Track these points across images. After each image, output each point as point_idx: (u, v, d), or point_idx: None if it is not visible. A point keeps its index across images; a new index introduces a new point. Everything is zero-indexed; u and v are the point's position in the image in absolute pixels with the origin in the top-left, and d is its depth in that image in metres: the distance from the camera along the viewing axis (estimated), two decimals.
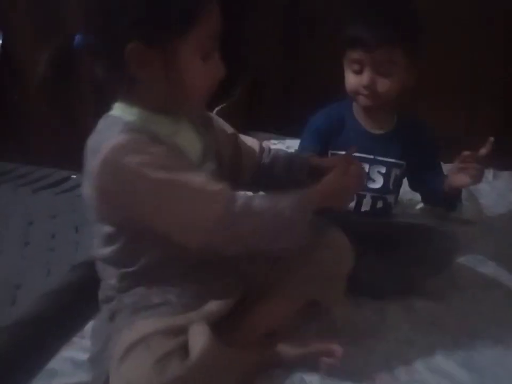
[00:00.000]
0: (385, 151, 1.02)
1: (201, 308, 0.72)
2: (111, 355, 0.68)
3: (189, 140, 0.75)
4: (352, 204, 1.03)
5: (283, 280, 0.80)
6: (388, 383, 0.79)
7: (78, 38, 0.68)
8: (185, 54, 0.67)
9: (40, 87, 0.69)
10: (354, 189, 0.83)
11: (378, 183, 1.02)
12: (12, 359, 0.84)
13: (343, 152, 0.95)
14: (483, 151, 0.91)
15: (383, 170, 1.02)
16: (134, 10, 0.64)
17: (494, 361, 0.84)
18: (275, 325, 0.82)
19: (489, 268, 1.08)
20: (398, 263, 0.96)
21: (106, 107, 0.72)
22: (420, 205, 1.25)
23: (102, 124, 0.70)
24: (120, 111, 0.71)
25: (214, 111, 1.26)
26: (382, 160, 1.02)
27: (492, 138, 0.92)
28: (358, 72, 0.97)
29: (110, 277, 0.75)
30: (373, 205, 1.03)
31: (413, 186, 1.10)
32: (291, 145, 1.47)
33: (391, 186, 1.03)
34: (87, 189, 0.68)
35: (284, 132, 1.61)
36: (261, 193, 0.89)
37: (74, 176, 1.53)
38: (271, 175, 0.89)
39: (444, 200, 1.03)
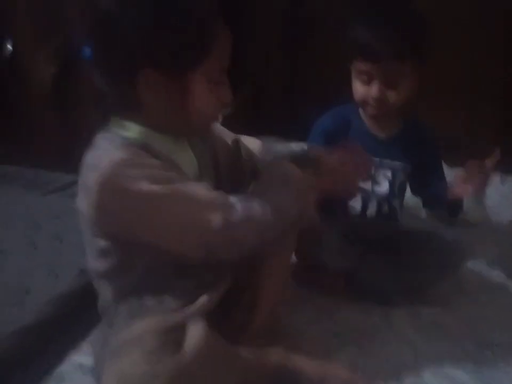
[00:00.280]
0: (390, 155, 1.02)
1: (194, 302, 0.72)
2: (106, 356, 0.68)
3: (186, 158, 0.75)
4: (358, 208, 1.03)
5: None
6: None
7: (86, 50, 0.69)
8: (196, 82, 0.68)
9: (43, 86, 0.70)
10: (357, 174, 0.83)
11: (384, 186, 1.03)
12: (20, 363, 0.85)
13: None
14: (489, 161, 0.91)
15: (389, 173, 1.02)
16: (151, 37, 0.65)
17: (503, 369, 0.83)
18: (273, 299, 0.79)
19: (495, 273, 1.08)
20: (404, 268, 0.96)
21: (104, 118, 0.72)
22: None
23: (100, 139, 0.71)
24: (118, 127, 0.71)
25: None
26: (388, 164, 1.02)
27: (497, 149, 0.92)
28: (366, 82, 0.96)
29: (104, 291, 0.76)
30: (379, 209, 1.04)
31: (414, 190, 1.10)
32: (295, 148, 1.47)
33: (396, 190, 1.03)
34: (83, 203, 0.69)
35: (289, 136, 1.61)
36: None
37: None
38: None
39: (446, 206, 1.03)
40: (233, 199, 0.70)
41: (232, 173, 0.85)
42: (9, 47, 1.59)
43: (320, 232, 0.92)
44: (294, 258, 0.94)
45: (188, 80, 0.67)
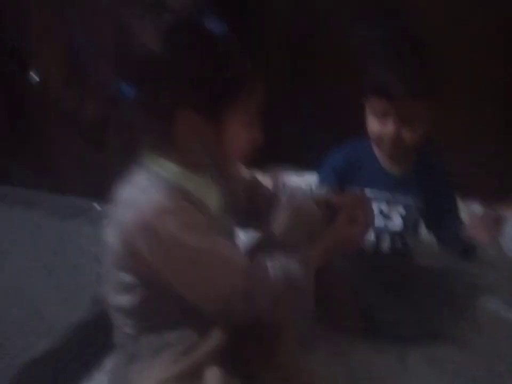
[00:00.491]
0: (403, 191, 1.03)
1: (213, 336, 0.74)
2: None
3: (212, 195, 0.78)
4: (371, 244, 1.03)
5: None
6: None
7: (124, 88, 0.71)
8: (232, 124, 0.71)
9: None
10: (361, 234, 0.86)
11: (397, 223, 1.03)
12: None
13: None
14: (503, 211, 0.92)
15: (402, 210, 1.03)
16: (194, 82, 0.68)
17: None
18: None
19: None
20: (419, 307, 0.96)
21: (136, 153, 0.75)
22: None
23: (138, 177, 0.73)
24: (154, 164, 0.73)
25: None
26: (401, 200, 1.03)
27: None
28: (382, 120, 0.96)
29: (123, 325, 0.76)
30: (392, 245, 1.04)
31: (428, 227, 1.10)
32: (310, 179, 1.48)
33: (410, 226, 1.04)
34: (114, 237, 0.71)
35: (303, 167, 1.63)
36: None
37: (98, 207, 1.57)
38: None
39: (460, 247, 1.02)
40: (256, 261, 0.72)
41: (250, 209, 0.87)
42: (35, 77, 1.65)
43: (336, 271, 0.93)
44: None
45: (223, 121, 0.71)
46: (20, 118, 1.74)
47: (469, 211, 1.47)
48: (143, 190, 0.70)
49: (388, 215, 1.02)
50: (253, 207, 0.88)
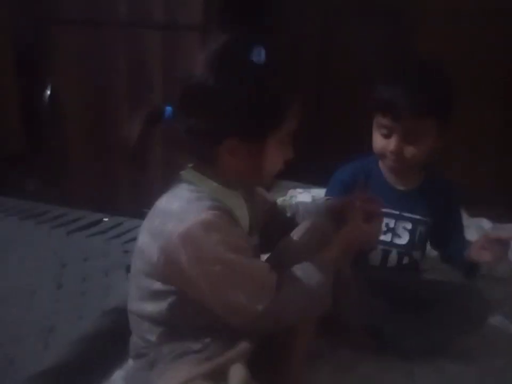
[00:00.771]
0: (411, 207, 1.03)
1: (236, 345, 0.76)
2: None
3: (243, 213, 0.81)
4: (379, 259, 1.04)
5: None
6: None
7: (169, 110, 0.75)
8: (272, 145, 0.75)
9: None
10: (370, 241, 0.88)
11: (404, 239, 1.03)
12: None
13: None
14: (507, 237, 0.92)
15: (409, 226, 1.03)
16: (241, 111, 0.71)
17: None
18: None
19: None
20: (426, 322, 0.96)
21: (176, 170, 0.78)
22: None
23: (183, 190, 0.75)
24: (196, 180, 0.77)
25: None
26: (408, 216, 1.03)
27: None
28: (386, 136, 0.98)
29: (146, 333, 0.78)
30: (399, 260, 1.04)
31: (433, 244, 1.11)
32: (317, 194, 1.49)
33: (416, 242, 1.04)
34: (151, 245, 0.74)
35: (310, 180, 1.64)
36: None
37: (106, 219, 1.58)
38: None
39: (464, 266, 1.03)
40: (281, 280, 0.74)
41: (268, 230, 0.90)
42: (48, 92, 1.69)
43: (345, 286, 0.94)
44: None
45: (265, 144, 0.74)
46: (36, 132, 1.77)
47: (477, 227, 1.47)
48: (187, 201, 0.73)
49: (395, 231, 1.03)
50: (269, 232, 0.90)
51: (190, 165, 0.78)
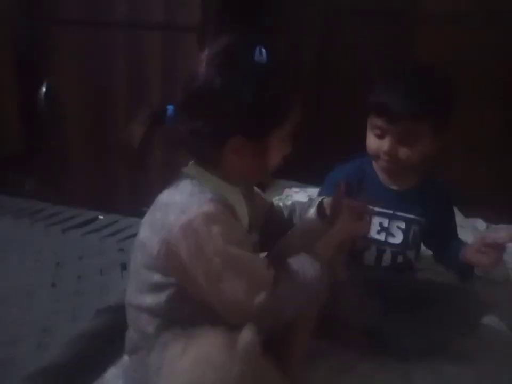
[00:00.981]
0: (405, 207, 1.04)
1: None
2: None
3: (243, 210, 0.81)
4: (373, 258, 1.04)
5: None
6: None
7: (171, 109, 0.75)
8: (274, 143, 0.76)
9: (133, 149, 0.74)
10: (360, 233, 0.89)
11: (398, 238, 1.04)
12: None
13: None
14: (504, 235, 0.92)
15: (403, 225, 1.03)
16: (246, 111, 0.73)
17: None
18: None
19: None
20: (422, 323, 0.96)
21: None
22: None
23: (187, 184, 0.76)
24: (199, 175, 0.78)
25: None
26: (402, 216, 1.04)
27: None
28: (380, 137, 0.99)
29: (144, 325, 0.78)
30: (393, 260, 1.04)
31: (427, 244, 1.11)
32: (313, 193, 1.49)
33: (410, 242, 1.04)
34: (152, 237, 0.75)
35: (306, 180, 1.64)
36: None
37: (101, 217, 1.58)
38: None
39: (458, 267, 1.03)
40: (278, 276, 0.74)
41: (269, 229, 0.91)
42: (44, 89, 1.69)
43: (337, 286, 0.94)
44: None
45: (267, 142, 0.76)
46: (36, 132, 1.78)
47: (473, 228, 1.47)
48: (190, 194, 0.74)
49: (389, 230, 1.03)
50: (268, 231, 0.91)
51: (192, 162, 0.79)
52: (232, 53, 0.74)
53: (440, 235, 1.06)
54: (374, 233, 1.03)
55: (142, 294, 0.78)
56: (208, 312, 0.74)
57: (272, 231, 0.91)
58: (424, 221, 1.05)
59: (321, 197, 0.96)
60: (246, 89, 0.72)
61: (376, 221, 1.02)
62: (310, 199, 1.02)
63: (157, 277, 0.76)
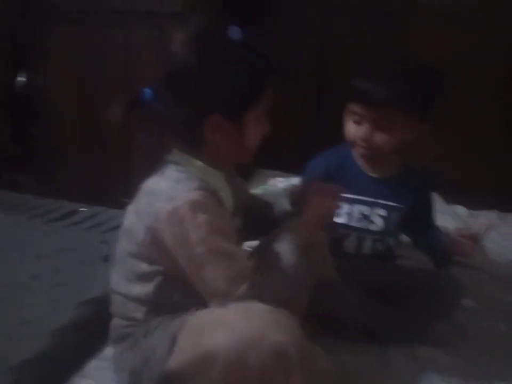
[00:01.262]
0: (385, 194, 1.04)
1: None
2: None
3: (227, 194, 0.82)
4: (353, 246, 1.05)
5: None
6: None
7: (148, 92, 0.75)
8: (251, 121, 0.78)
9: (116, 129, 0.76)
10: (329, 215, 0.90)
11: (378, 225, 1.04)
12: None
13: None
14: (482, 234, 0.95)
15: (383, 213, 1.04)
16: (224, 90, 0.75)
17: None
18: None
19: (496, 315, 1.07)
20: (402, 308, 0.96)
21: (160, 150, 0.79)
22: None
23: (172, 171, 0.77)
24: (183, 161, 0.78)
25: None
26: (382, 203, 1.04)
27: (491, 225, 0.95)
28: (358, 123, 0.99)
29: (132, 312, 0.79)
30: (374, 247, 1.05)
31: (407, 231, 1.11)
32: (297, 182, 1.49)
33: (391, 229, 1.05)
34: (138, 225, 0.75)
35: (291, 170, 1.64)
36: None
37: (84, 209, 1.57)
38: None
39: (438, 254, 1.04)
40: (258, 266, 0.75)
41: (249, 217, 0.91)
42: (21, 78, 1.66)
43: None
44: None
45: (244, 120, 0.77)
46: (18, 124, 1.74)
47: (454, 214, 1.49)
48: (176, 181, 0.75)
49: (369, 218, 1.04)
50: (247, 219, 0.91)
51: (175, 149, 0.80)
52: (208, 31, 0.76)
53: (419, 222, 1.06)
54: (354, 220, 1.03)
55: (130, 282, 0.79)
56: (198, 298, 0.75)
57: (252, 217, 0.91)
58: (404, 208, 1.05)
59: (292, 184, 0.96)
60: (221, 68, 0.74)
61: (356, 208, 1.03)
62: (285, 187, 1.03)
63: (143, 266, 0.76)
